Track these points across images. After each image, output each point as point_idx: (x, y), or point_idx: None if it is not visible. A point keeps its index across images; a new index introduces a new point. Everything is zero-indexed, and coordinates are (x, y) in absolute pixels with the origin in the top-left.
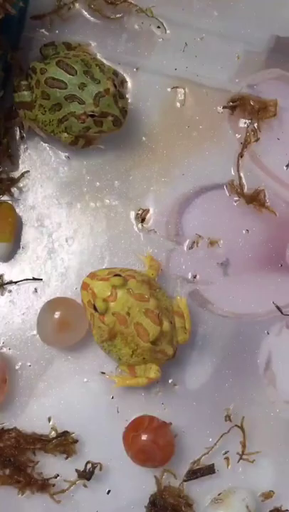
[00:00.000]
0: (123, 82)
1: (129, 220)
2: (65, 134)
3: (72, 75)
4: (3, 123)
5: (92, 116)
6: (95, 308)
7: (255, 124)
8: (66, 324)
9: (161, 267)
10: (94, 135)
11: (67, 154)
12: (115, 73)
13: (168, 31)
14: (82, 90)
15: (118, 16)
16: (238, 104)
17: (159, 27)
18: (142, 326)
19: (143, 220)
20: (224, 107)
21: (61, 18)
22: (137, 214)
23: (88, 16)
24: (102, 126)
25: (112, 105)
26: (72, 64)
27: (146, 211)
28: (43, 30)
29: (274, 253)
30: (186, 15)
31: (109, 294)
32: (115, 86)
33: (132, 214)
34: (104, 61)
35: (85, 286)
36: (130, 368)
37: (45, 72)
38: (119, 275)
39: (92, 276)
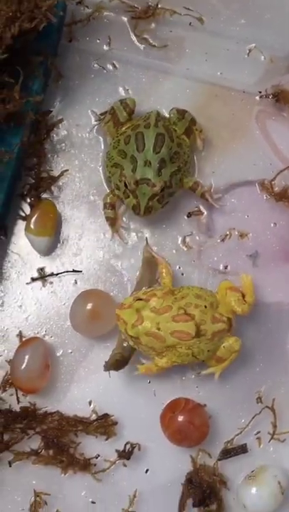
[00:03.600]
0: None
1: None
2: (111, 177)
3: (156, 152)
4: (45, 125)
5: (125, 184)
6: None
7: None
8: (97, 314)
9: (168, 267)
10: (117, 196)
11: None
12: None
13: (197, 38)
14: (143, 165)
15: (149, 23)
16: (279, 96)
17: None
18: (178, 332)
19: (189, 216)
20: (261, 97)
21: (93, 25)
22: (189, 214)
23: (121, 23)
24: (125, 199)
25: (145, 196)
26: (165, 145)
27: (199, 212)
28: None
29: None
30: (214, 23)
31: (136, 318)
32: (163, 189)
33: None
34: (136, 67)
35: (118, 318)
36: (216, 359)
37: (145, 128)
38: (140, 299)
39: (121, 306)
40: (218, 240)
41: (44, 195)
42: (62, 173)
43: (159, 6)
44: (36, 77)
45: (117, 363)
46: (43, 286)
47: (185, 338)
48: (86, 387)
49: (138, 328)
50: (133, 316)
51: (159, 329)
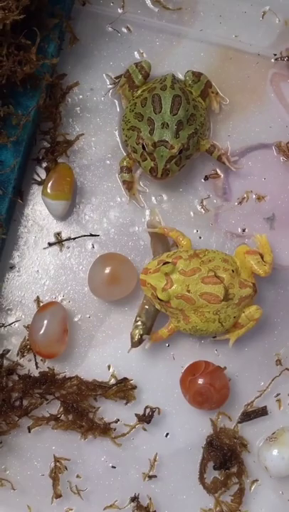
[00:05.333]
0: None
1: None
2: (128, 140)
3: (174, 114)
4: (60, 88)
5: (143, 146)
6: (159, 299)
7: None
8: (115, 278)
9: (179, 232)
10: (134, 160)
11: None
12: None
13: (211, 0)
14: (161, 127)
15: None
16: None
17: None
18: (207, 294)
19: (206, 179)
20: (276, 59)
21: None
22: (206, 177)
23: None
24: (143, 161)
25: (163, 158)
26: (182, 107)
27: (216, 175)
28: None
29: None
30: None
31: (165, 282)
32: (181, 151)
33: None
34: (150, 30)
35: (143, 283)
36: (236, 325)
37: (161, 90)
38: (167, 262)
39: (145, 271)
40: (235, 203)
41: (59, 160)
42: (77, 137)
43: None
44: (51, 39)
45: (140, 340)
46: (60, 251)
47: (213, 301)
48: (104, 352)
49: (168, 292)
50: (162, 280)
51: (189, 291)
